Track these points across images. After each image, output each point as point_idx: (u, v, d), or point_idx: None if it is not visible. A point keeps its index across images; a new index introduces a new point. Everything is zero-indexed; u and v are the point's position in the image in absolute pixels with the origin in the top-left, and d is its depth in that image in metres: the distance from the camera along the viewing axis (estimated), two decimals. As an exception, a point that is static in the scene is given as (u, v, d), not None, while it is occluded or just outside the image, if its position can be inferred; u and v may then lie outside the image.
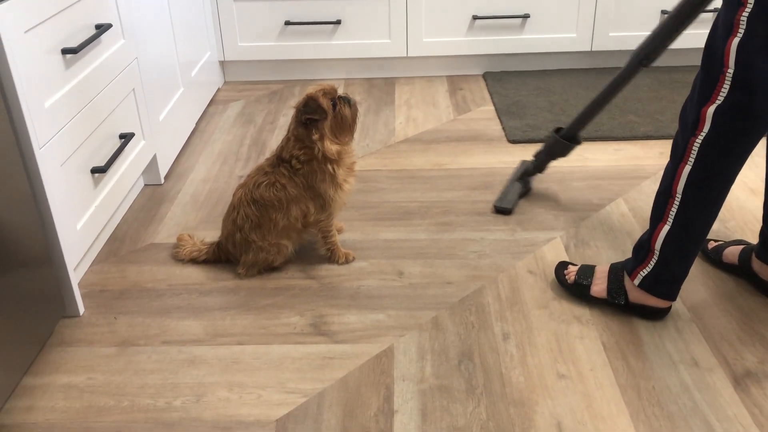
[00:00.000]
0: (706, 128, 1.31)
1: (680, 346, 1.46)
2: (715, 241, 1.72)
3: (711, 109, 1.29)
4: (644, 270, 1.48)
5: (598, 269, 1.59)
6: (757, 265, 1.57)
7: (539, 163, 2.02)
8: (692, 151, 1.34)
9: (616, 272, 1.54)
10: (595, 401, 1.33)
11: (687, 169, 1.36)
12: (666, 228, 1.42)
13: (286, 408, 1.33)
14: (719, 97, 1.28)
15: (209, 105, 2.76)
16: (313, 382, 1.39)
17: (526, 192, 2.03)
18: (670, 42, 1.69)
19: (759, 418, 1.28)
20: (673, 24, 1.64)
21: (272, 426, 1.29)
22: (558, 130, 1.97)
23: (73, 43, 1.58)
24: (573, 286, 1.59)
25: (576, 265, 1.64)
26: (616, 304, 1.54)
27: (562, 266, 1.65)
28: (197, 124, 2.58)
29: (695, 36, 2.83)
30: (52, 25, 1.50)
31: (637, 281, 1.49)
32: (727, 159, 1.33)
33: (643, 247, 1.48)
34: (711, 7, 2.28)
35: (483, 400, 1.34)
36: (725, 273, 1.67)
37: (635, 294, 1.51)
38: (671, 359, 1.42)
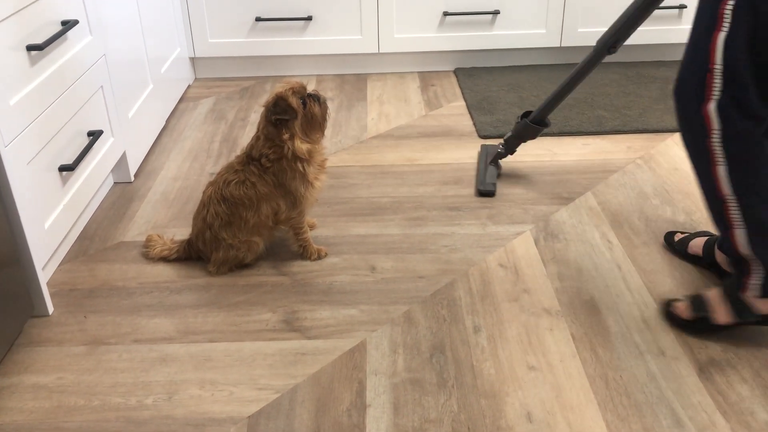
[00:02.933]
0: (717, 125, 1.26)
1: (647, 336, 1.49)
2: (681, 233, 1.75)
3: (712, 106, 1.26)
4: (754, 280, 1.38)
5: (708, 296, 1.47)
6: (719, 256, 1.60)
7: (510, 146, 2.10)
8: (716, 151, 1.29)
9: (733, 292, 1.43)
10: (564, 391, 1.35)
11: (721, 170, 1.30)
12: (740, 231, 1.34)
13: (258, 404, 1.33)
14: (714, 93, 1.24)
15: (180, 102, 2.74)
16: (286, 378, 1.39)
17: (499, 174, 2.14)
18: (634, 30, 1.76)
19: (722, 405, 1.31)
20: (637, 12, 1.71)
21: (244, 422, 1.29)
22: (526, 114, 2.04)
23: (39, 40, 1.56)
24: (696, 322, 1.47)
25: (680, 300, 1.53)
26: (750, 322, 1.43)
27: (667, 307, 1.54)
28: (167, 121, 2.56)
29: (660, 32, 2.88)
30: (16, 21, 1.48)
31: (754, 292, 1.39)
32: (755, 145, 1.28)
33: (738, 261, 1.39)
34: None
35: (454, 393, 1.35)
36: (690, 264, 1.70)
37: (760, 305, 1.40)
38: (638, 349, 1.45)
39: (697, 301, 1.48)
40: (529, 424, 1.28)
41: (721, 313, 1.44)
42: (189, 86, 2.90)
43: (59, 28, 1.66)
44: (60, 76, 1.66)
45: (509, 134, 2.09)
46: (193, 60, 2.94)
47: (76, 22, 1.70)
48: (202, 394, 1.35)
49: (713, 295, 1.46)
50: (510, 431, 1.27)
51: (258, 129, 1.65)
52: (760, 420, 1.28)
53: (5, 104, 1.41)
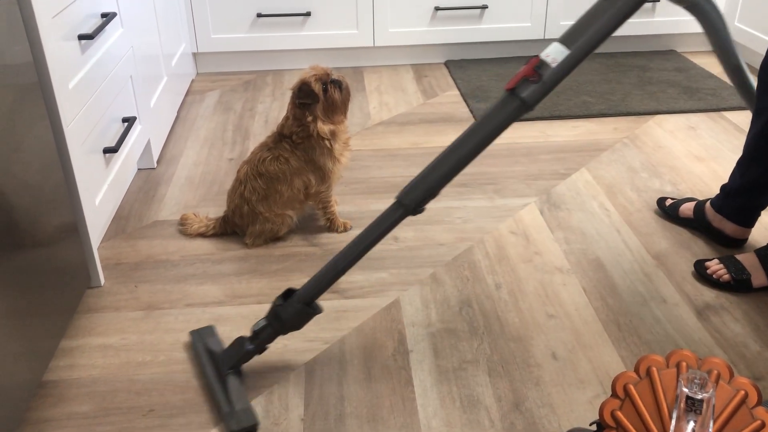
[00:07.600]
0: None
1: (649, 287, 1.67)
2: (672, 199, 1.94)
3: None
4: None
5: (743, 260, 1.64)
6: (710, 213, 1.79)
7: (265, 339, 1.38)
8: None
9: None
10: (582, 335, 1.52)
11: None
12: None
13: (312, 354, 1.47)
14: None
15: (186, 95, 2.85)
16: (332, 332, 1.53)
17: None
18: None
19: (720, 340, 1.50)
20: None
21: (302, 369, 1.43)
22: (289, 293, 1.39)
23: (86, 30, 1.67)
24: (735, 283, 1.63)
25: (710, 259, 1.69)
26: None
27: (700, 265, 1.69)
28: (178, 112, 2.67)
29: (636, 24, 3.09)
30: (70, 12, 1.59)
31: None
32: None
33: None
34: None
35: (486, 338, 1.51)
36: (681, 227, 1.90)
37: None
38: (643, 298, 1.63)
39: (734, 265, 1.64)
40: (555, 361, 1.45)
41: (759, 277, 1.62)
42: (192, 80, 3.01)
43: (101, 20, 1.78)
44: (102, 65, 1.78)
45: (262, 323, 1.36)
46: (195, 55, 3.05)
47: (114, 15, 1.82)
48: (259, 348, 1.49)
49: (748, 259, 1.63)
50: (539, 368, 1.43)
51: (287, 110, 1.80)
52: (752, 350, 1.47)
53: (65, 87, 1.53)
